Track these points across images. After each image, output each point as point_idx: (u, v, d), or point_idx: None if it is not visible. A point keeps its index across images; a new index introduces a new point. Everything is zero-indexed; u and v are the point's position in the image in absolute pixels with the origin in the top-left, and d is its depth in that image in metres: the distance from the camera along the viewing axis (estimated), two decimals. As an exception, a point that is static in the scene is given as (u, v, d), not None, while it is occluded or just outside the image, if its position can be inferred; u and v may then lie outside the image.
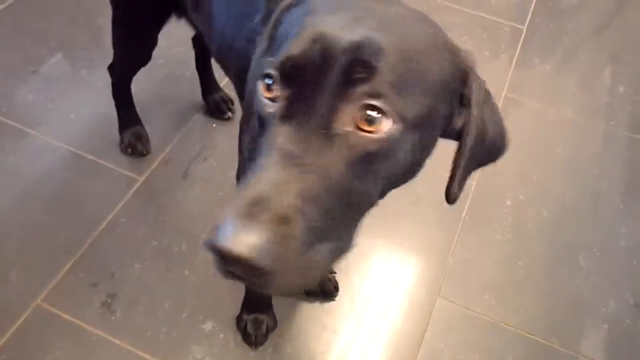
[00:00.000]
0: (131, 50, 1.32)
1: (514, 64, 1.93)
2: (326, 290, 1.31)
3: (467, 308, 1.34)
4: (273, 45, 0.65)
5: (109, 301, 1.28)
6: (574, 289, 1.41)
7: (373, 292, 1.36)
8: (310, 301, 1.32)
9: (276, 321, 1.26)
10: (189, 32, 1.51)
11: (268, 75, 0.58)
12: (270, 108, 0.58)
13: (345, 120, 0.54)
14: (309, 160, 0.54)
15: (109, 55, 1.39)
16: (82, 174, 1.49)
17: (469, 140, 0.63)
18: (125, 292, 1.30)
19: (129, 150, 1.52)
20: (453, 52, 0.62)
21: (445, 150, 0.68)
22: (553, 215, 1.55)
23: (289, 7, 0.66)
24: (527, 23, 2.09)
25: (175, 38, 1.36)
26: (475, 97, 0.62)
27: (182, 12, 1.18)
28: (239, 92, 0.97)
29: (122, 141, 1.53)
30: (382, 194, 0.63)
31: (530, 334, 1.32)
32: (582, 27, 2.12)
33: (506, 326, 1.33)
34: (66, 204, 1.44)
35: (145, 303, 1.28)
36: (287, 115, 0.56)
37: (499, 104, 1.79)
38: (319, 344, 1.27)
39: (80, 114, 1.62)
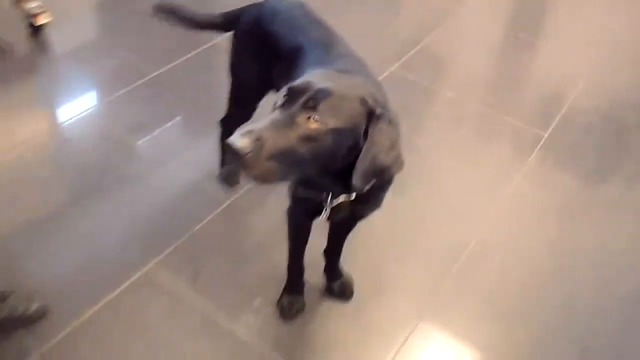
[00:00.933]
0: (239, 111, 1.93)
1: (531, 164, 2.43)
2: (344, 294, 1.83)
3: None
4: None
5: (195, 274, 1.85)
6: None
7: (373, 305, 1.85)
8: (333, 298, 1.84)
9: (304, 305, 1.78)
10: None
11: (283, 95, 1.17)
12: (277, 104, 1.16)
13: (302, 118, 1.10)
14: (281, 127, 1.10)
15: (216, 117, 2.04)
16: (193, 192, 2.14)
17: (361, 157, 1.15)
18: (207, 270, 1.87)
19: (225, 181, 2.15)
20: (367, 105, 1.15)
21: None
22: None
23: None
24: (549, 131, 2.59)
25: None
26: (372, 128, 1.15)
27: (279, 90, 1.79)
28: None
29: (220, 173, 2.16)
30: (318, 169, 1.17)
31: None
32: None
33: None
34: (178, 209, 2.07)
35: (219, 280, 1.85)
36: (281, 107, 1.14)
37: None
38: (331, 328, 1.77)
39: (200, 150, 2.30)
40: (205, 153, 2.27)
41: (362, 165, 1.15)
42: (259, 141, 1.06)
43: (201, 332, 1.72)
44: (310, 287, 1.82)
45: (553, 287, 1.97)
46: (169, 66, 2.71)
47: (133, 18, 3.01)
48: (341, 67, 1.46)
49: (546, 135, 2.57)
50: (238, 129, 1.09)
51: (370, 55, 1.59)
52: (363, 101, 1.16)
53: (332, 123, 1.11)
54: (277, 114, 1.13)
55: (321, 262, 1.84)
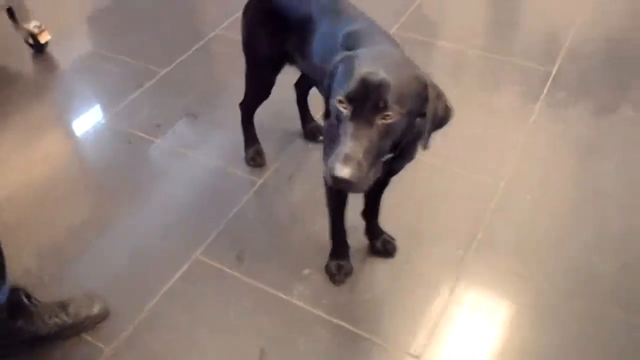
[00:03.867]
0: (257, 89, 1.99)
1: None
2: (388, 250, 1.88)
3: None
4: (334, 83, 1.28)
5: (241, 255, 1.91)
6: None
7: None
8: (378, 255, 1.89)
9: (352, 268, 1.84)
10: (293, 80, 2.19)
11: (340, 100, 1.22)
12: (343, 114, 1.22)
13: (378, 119, 1.18)
14: (365, 138, 1.18)
15: (228, 105, 2.09)
16: (222, 178, 2.19)
17: (428, 118, 1.27)
18: (252, 250, 1.93)
19: (252, 162, 2.19)
20: (419, 79, 1.25)
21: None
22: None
23: (337, 64, 1.30)
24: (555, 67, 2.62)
25: (283, 85, 2.02)
26: (430, 98, 1.26)
27: (292, 62, 1.83)
28: (325, 96, 1.47)
29: (246, 156, 2.21)
30: (393, 149, 1.30)
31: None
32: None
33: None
34: (212, 196, 2.13)
35: (264, 256, 1.91)
36: (352, 117, 1.20)
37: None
38: (380, 286, 1.83)
39: (219, 139, 2.34)
40: (225, 140, 2.33)
41: (429, 127, 1.28)
42: (359, 164, 1.17)
43: (258, 307, 1.78)
44: (354, 250, 1.88)
45: (584, 215, 2.03)
46: (174, 64, 2.75)
47: (127, 23, 3.06)
48: (355, 29, 1.50)
49: (554, 71, 2.61)
50: (334, 157, 1.19)
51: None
52: (418, 79, 1.25)
53: (404, 109, 1.21)
54: (353, 127, 1.20)
55: (361, 225, 1.89)
